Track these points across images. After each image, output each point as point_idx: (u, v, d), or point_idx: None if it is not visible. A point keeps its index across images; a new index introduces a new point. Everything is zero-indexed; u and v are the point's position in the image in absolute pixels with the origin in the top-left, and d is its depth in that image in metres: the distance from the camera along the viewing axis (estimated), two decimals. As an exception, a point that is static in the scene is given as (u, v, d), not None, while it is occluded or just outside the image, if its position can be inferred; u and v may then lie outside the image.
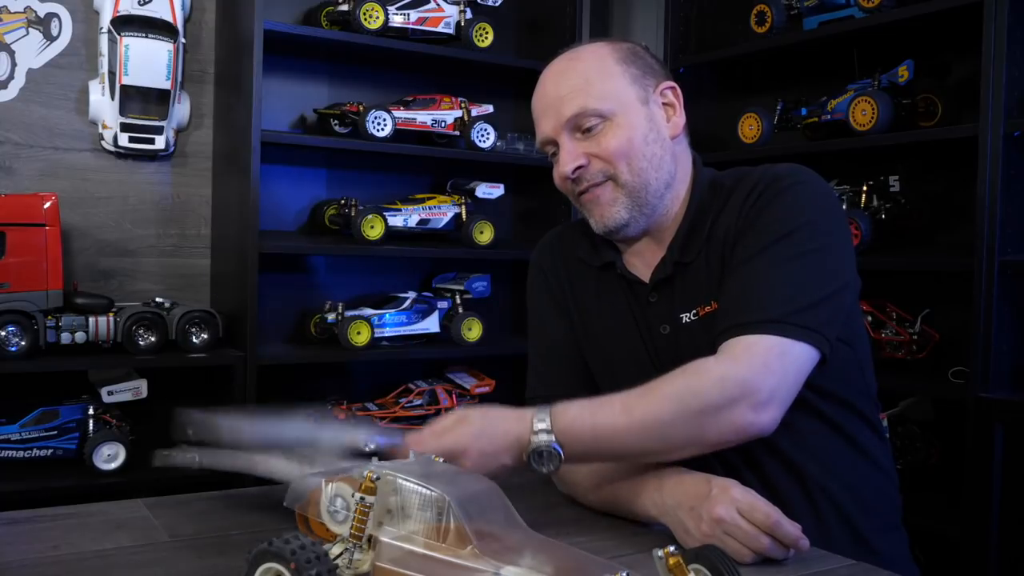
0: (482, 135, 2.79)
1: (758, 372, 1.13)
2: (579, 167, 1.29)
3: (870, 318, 2.41)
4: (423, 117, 2.76)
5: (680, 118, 1.34)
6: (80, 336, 2.28)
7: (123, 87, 2.50)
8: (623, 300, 1.37)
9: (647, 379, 1.27)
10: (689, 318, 1.29)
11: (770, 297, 1.18)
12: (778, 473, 1.27)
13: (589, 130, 1.28)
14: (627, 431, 1.13)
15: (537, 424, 1.12)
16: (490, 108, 2.86)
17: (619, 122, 1.28)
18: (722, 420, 1.12)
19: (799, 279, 1.19)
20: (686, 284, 1.30)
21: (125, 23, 2.50)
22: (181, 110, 2.67)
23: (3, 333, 2.18)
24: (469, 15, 2.78)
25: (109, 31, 2.50)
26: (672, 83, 1.35)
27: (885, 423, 1.42)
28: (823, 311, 1.19)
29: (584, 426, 1.13)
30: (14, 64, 2.52)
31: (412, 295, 2.75)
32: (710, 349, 1.19)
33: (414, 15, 2.71)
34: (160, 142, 2.61)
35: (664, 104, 1.33)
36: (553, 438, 1.11)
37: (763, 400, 1.12)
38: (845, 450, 1.30)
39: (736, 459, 1.25)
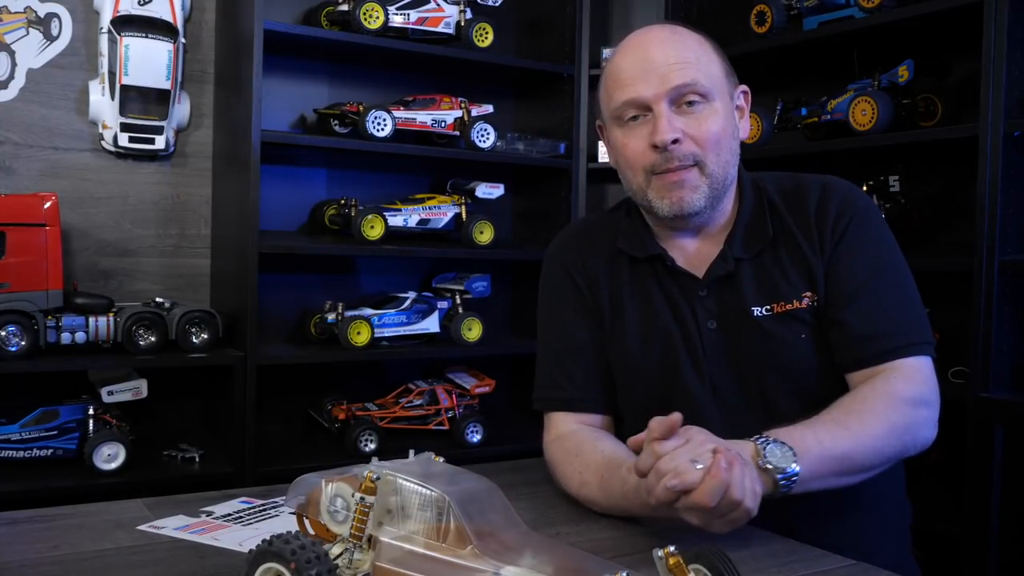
0: (482, 135, 2.78)
1: (932, 392, 1.26)
2: (675, 140, 1.26)
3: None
4: (423, 117, 2.76)
5: (747, 123, 1.38)
6: (80, 336, 2.28)
7: (123, 87, 2.50)
8: (660, 293, 1.35)
9: (677, 372, 1.30)
10: (761, 312, 1.29)
11: (911, 319, 1.28)
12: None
13: (691, 104, 1.27)
14: (849, 447, 1.15)
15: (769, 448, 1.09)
16: (490, 108, 2.86)
17: (717, 108, 1.29)
18: (918, 435, 1.22)
19: (914, 298, 1.30)
20: (754, 280, 1.31)
21: (125, 23, 2.50)
22: (181, 110, 2.67)
23: (3, 333, 2.18)
24: (469, 15, 2.78)
25: (109, 31, 2.50)
26: (746, 87, 1.38)
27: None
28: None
29: (812, 444, 1.12)
30: (14, 64, 2.52)
31: (412, 295, 2.75)
32: (779, 344, 1.26)
33: (414, 15, 2.71)
34: (160, 142, 2.61)
35: (737, 106, 1.36)
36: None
37: (936, 418, 1.26)
38: None
39: None
